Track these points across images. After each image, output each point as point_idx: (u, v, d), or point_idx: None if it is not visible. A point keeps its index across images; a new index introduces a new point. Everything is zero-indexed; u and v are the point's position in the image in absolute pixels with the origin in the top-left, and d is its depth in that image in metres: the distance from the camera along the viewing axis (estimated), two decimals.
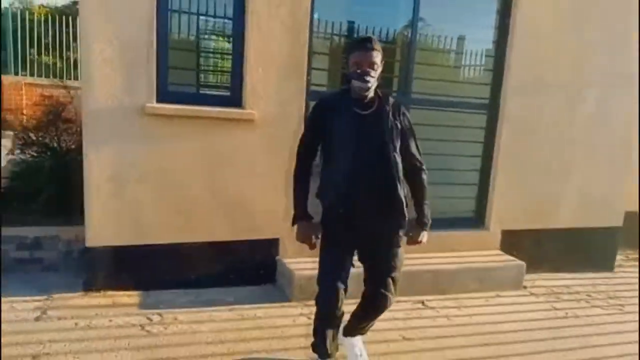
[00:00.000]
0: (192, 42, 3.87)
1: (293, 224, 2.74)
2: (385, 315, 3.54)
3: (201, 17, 3.76)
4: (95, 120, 3.48)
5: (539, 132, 4.66)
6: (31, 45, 10.20)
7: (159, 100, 3.57)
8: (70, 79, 9.51)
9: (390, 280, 2.78)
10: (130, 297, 3.59)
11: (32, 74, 10.08)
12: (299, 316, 3.54)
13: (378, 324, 3.36)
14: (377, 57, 2.56)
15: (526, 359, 3.28)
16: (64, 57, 10.46)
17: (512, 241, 4.73)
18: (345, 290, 2.70)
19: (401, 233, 2.79)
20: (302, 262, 3.97)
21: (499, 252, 4.71)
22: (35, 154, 4.97)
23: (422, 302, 4.00)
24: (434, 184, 4.49)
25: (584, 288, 4.67)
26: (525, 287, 4.50)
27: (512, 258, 4.58)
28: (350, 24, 4.45)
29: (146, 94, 3.53)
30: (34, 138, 4.98)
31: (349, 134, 2.58)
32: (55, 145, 4.95)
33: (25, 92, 9.49)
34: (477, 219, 4.77)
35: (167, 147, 3.64)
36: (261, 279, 4.00)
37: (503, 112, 4.54)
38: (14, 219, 4.05)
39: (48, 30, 10.36)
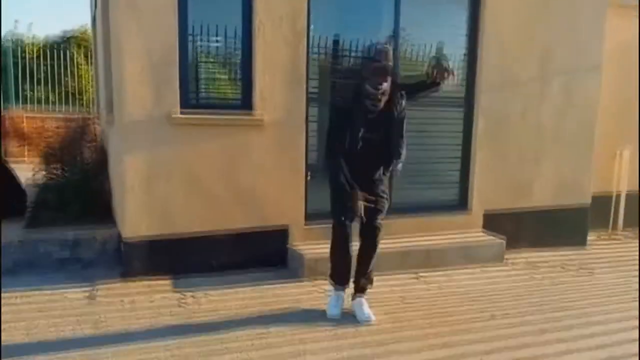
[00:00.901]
0: (207, 56, 4.44)
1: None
2: (384, 286, 4.15)
3: (215, 35, 4.32)
4: (129, 130, 4.03)
5: (511, 122, 5.29)
6: (25, 80, 10.74)
7: (182, 110, 4.13)
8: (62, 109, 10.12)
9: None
10: (164, 281, 4.11)
11: (28, 105, 10.54)
12: (312, 288, 4.09)
13: (379, 291, 3.99)
14: (388, 77, 3.45)
15: (508, 311, 3.84)
16: (56, 91, 11.02)
17: (493, 221, 5.32)
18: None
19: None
20: (310, 246, 4.54)
21: (482, 231, 5.30)
22: (60, 170, 5.49)
23: (417, 276, 4.56)
24: (422, 174, 5.17)
25: (559, 260, 5.27)
26: (506, 261, 5.09)
27: (493, 236, 5.17)
28: (336, 38, 5.01)
29: (171, 105, 4.09)
30: (59, 155, 5.51)
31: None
32: (80, 162, 5.48)
33: (27, 123, 9.97)
34: (461, 203, 5.37)
35: (190, 149, 4.19)
36: (275, 263, 4.53)
37: (478, 106, 5.17)
38: (48, 226, 4.55)
39: (40, 65, 10.89)
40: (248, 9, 4.26)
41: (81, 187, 5.15)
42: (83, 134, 5.35)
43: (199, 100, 4.31)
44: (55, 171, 5.50)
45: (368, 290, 3.74)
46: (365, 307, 3.64)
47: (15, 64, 10.62)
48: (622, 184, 6.49)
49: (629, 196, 6.52)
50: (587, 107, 5.59)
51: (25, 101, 10.62)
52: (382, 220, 3.67)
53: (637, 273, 4.88)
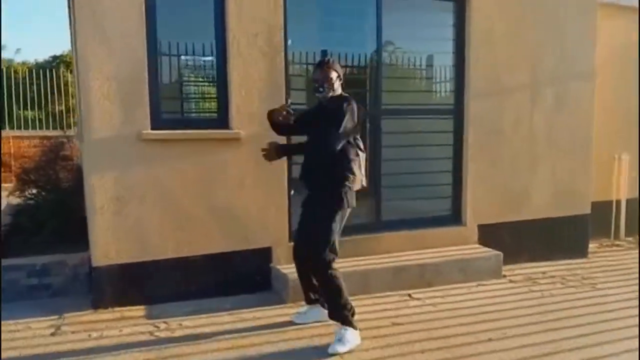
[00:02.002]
0: (180, 72, 4.23)
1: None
2: (375, 307, 3.89)
3: (188, 50, 4.12)
4: (96, 149, 3.80)
5: (503, 131, 5.07)
6: (16, 102, 10.58)
7: (153, 127, 3.91)
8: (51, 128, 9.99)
9: None
10: (137, 310, 3.84)
11: (18, 128, 10.45)
12: (296, 311, 3.82)
13: (368, 313, 3.73)
14: (331, 72, 3.41)
15: (509, 331, 3.58)
16: (45, 111, 10.87)
17: (488, 234, 5.08)
18: None
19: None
20: (294, 267, 4.27)
21: (478, 245, 5.05)
22: (35, 192, 5.26)
23: (409, 295, 4.30)
24: (413, 186, 4.94)
25: (559, 273, 5.01)
26: (504, 276, 4.83)
27: (490, 250, 4.92)
28: (323, 51, 4.82)
29: (142, 123, 3.87)
30: (34, 178, 5.28)
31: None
32: (54, 182, 5.26)
33: (13, 144, 9.85)
34: (454, 216, 5.12)
35: (163, 168, 3.96)
36: (257, 286, 4.28)
37: (468, 115, 4.95)
38: (20, 251, 4.31)
39: (32, 85, 10.77)
40: (221, 24, 4.07)
41: (56, 208, 4.93)
42: (58, 152, 5.10)
43: (172, 117, 4.08)
44: (29, 193, 5.27)
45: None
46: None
47: (9, 86, 10.51)
48: (621, 190, 6.26)
49: (629, 202, 6.30)
50: (581, 113, 5.38)
51: (12, 122, 10.48)
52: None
53: None
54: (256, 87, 4.17)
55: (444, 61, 5.10)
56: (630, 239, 6.29)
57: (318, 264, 3.35)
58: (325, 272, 3.32)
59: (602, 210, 6.07)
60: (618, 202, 6.26)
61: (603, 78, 5.54)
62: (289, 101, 3.88)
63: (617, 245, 6.11)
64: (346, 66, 4.62)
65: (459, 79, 4.98)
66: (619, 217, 6.31)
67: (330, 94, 3.41)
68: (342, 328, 3.31)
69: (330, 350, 3.20)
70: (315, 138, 3.47)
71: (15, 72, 11.03)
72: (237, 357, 3.15)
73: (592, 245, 5.74)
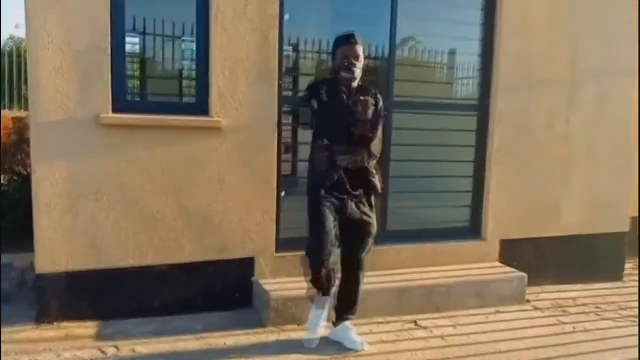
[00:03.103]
0: (152, 48, 3.58)
1: None
2: (372, 338, 3.24)
3: (162, 20, 3.47)
4: (44, 134, 3.18)
5: (534, 132, 4.35)
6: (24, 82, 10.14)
7: (115, 110, 3.28)
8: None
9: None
10: (87, 328, 3.23)
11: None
12: (273, 344, 3.17)
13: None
14: (361, 50, 3.03)
15: None
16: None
17: (512, 251, 4.38)
18: None
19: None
20: (280, 283, 3.64)
21: (498, 264, 4.34)
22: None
23: (415, 322, 3.63)
24: (426, 192, 4.26)
25: (592, 300, 4.29)
26: (528, 302, 4.13)
27: (512, 270, 4.22)
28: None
29: (101, 104, 3.24)
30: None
31: (335, 117, 3.00)
32: (21, 169, 4.67)
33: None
34: (473, 229, 4.42)
35: (126, 160, 3.33)
36: (235, 303, 3.63)
37: (494, 112, 4.23)
38: None
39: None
40: None
41: (18, 198, 4.33)
42: (22, 137, 4.51)
43: (138, 99, 3.47)
44: None
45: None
46: (354, 332, 3.18)
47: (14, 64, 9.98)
48: None
49: None
50: (623, 115, 4.63)
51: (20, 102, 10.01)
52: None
53: None
54: (243, 68, 3.52)
55: (469, 49, 4.39)
56: None
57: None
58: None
59: (635, 226, 5.32)
60: None
61: None
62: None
63: None
64: None
65: (486, 70, 4.26)
66: None
67: (358, 79, 3.05)
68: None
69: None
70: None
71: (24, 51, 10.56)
72: None
73: (627, 266, 5.00)
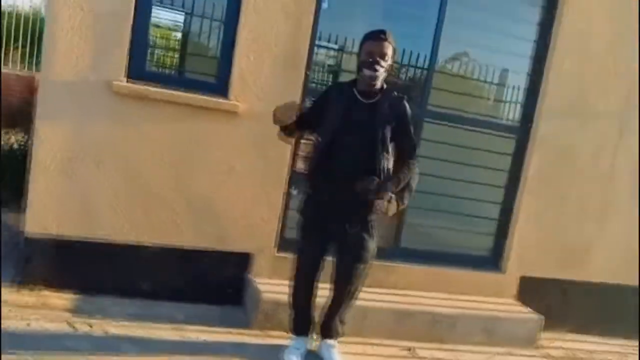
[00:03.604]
0: (178, 20, 3.42)
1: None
2: (363, 358, 3.02)
3: None
4: (53, 93, 3.06)
5: (576, 163, 3.99)
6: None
7: (129, 79, 3.13)
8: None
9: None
10: (65, 300, 3.09)
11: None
12: (253, 347, 2.97)
13: None
14: (389, 48, 2.72)
15: None
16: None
17: (531, 290, 4.03)
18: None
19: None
20: (275, 285, 3.42)
21: (515, 301, 4.02)
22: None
23: (410, 349, 3.36)
24: (448, 212, 3.97)
25: (610, 355, 3.95)
26: (541, 347, 3.80)
27: (529, 310, 3.90)
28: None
29: (116, 70, 3.10)
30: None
31: (346, 120, 2.73)
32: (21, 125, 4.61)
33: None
34: (492, 260, 4.09)
35: (134, 131, 3.18)
36: (225, 299, 3.45)
37: (535, 136, 3.90)
38: None
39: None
40: None
41: (20, 157, 4.27)
42: (29, 94, 4.44)
43: (154, 71, 3.30)
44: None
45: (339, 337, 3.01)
46: (335, 352, 2.94)
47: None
48: None
49: None
50: None
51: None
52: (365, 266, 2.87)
53: None
54: (270, 53, 3.32)
55: (518, 66, 4.07)
56: None
57: None
58: None
59: None
60: None
61: None
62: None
63: None
64: None
65: (533, 90, 3.94)
66: None
67: (381, 80, 2.75)
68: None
69: None
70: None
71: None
72: None
73: None
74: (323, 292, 2.99)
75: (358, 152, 2.68)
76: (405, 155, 2.83)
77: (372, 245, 2.87)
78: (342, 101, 2.76)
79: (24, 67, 8.45)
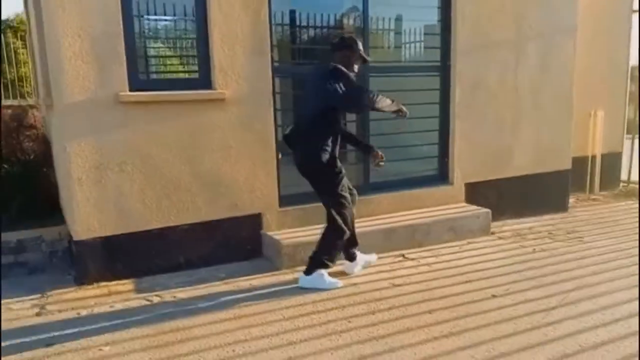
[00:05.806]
0: (158, 30, 3.92)
1: None
2: (370, 269, 3.81)
3: (162, 4, 3.80)
4: (70, 114, 3.50)
5: (488, 88, 4.98)
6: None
7: (132, 89, 3.62)
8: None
9: None
10: (125, 285, 3.64)
11: None
12: (292, 280, 3.69)
13: (367, 277, 3.66)
14: None
15: (505, 287, 3.56)
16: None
17: (475, 193, 5.06)
18: None
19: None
20: (286, 233, 4.14)
21: (465, 203, 5.02)
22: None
23: (403, 255, 4.24)
24: (400, 147, 4.83)
25: (545, 228, 5.06)
26: (493, 233, 4.83)
27: (478, 207, 4.89)
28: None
29: (119, 84, 3.58)
30: None
31: None
32: (19, 154, 4.89)
33: None
34: (441, 176, 5.06)
35: (144, 133, 3.70)
36: (249, 254, 4.13)
37: (454, 72, 4.83)
38: None
39: None
40: None
41: (22, 181, 4.58)
42: (20, 122, 4.71)
43: (151, 78, 3.81)
44: None
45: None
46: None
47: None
48: (597, 146, 6.35)
49: (604, 157, 6.40)
50: (563, 70, 5.35)
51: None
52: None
53: (626, 234, 4.73)
54: (240, 43, 3.92)
55: (430, 17, 4.93)
56: (605, 192, 6.44)
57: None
58: None
59: (577, 166, 6.13)
60: (593, 158, 6.36)
61: (578, 34, 5.50)
62: None
63: (594, 200, 6.24)
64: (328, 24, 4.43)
65: (446, 34, 4.84)
66: (594, 172, 6.42)
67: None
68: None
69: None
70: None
71: None
72: (240, 327, 3.00)
73: (570, 200, 5.82)
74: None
75: None
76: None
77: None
78: None
79: None
